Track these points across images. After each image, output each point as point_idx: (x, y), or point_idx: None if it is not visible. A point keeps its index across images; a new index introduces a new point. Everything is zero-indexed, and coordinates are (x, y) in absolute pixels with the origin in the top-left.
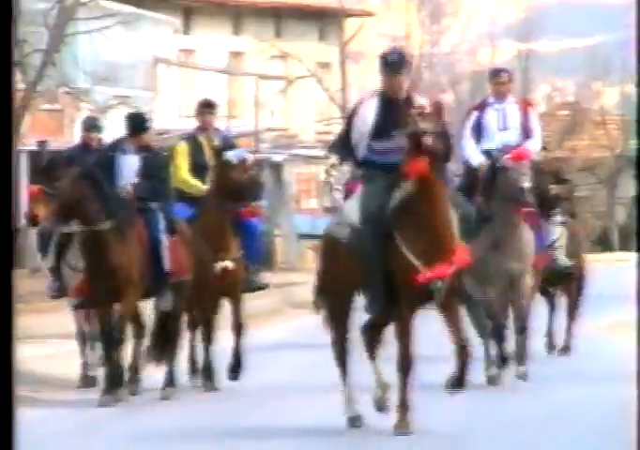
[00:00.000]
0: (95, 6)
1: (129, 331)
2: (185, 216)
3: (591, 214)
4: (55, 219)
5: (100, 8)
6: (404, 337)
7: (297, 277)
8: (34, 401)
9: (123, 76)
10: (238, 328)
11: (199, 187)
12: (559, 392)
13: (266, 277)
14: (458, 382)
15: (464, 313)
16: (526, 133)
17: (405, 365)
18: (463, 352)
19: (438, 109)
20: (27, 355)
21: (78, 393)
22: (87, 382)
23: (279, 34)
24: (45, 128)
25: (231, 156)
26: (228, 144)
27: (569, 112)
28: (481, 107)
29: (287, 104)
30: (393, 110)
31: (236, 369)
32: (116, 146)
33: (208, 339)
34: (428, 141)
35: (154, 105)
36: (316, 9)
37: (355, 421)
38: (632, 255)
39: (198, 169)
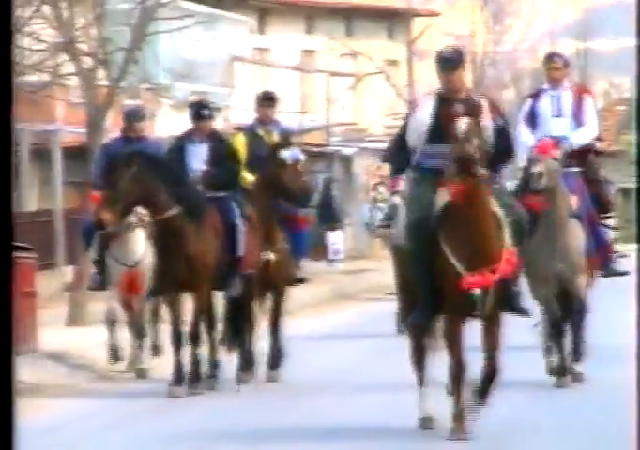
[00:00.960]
0: (175, 6)
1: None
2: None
3: None
4: (122, 219)
5: (180, 9)
6: (452, 344)
7: (369, 264)
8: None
9: (201, 73)
10: (276, 322)
11: (247, 178)
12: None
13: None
14: (480, 395)
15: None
16: (579, 121)
17: (455, 373)
18: (488, 365)
19: (494, 107)
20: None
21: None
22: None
23: (349, 33)
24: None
25: (286, 155)
26: (287, 138)
27: (625, 107)
28: (536, 94)
29: (357, 100)
30: (451, 110)
31: (276, 364)
32: (186, 136)
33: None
34: (474, 167)
35: (230, 101)
36: (385, 9)
37: (427, 423)
38: None
39: (255, 161)
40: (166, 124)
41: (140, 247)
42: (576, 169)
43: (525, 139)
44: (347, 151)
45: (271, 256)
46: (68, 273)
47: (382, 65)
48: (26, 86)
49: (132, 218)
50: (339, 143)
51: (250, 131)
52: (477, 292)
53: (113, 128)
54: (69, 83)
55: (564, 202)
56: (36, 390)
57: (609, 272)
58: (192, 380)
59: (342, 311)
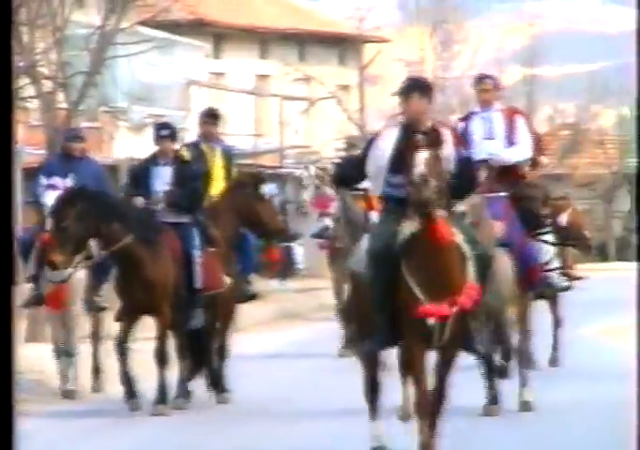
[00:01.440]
0: (132, 32)
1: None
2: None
3: (590, 226)
4: (73, 259)
5: (138, 34)
6: (414, 374)
7: (320, 283)
8: None
9: (158, 96)
10: (224, 342)
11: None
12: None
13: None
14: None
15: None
16: (511, 143)
17: (419, 407)
18: (436, 394)
19: (457, 137)
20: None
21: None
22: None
23: (302, 58)
24: (86, 145)
25: (265, 190)
26: (229, 157)
27: (569, 132)
28: (467, 117)
29: (309, 123)
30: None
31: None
32: (151, 159)
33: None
34: (432, 211)
35: (187, 124)
36: (337, 36)
37: None
38: (628, 264)
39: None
40: (124, 146)
41: None
42: (502, 193)
43: None
44: (299, 172)
45: (227, 280)
46: (27, 290)
47: (334, 89)
48: None
49: (80, 257)
50: (292, 165)
51: (193, 147)
52: (432, 321)
53: None
54: (30, 106)
55: (488, 233)
56: None
57: (545, 289)
58: (158, 401)
59: (291, 330)
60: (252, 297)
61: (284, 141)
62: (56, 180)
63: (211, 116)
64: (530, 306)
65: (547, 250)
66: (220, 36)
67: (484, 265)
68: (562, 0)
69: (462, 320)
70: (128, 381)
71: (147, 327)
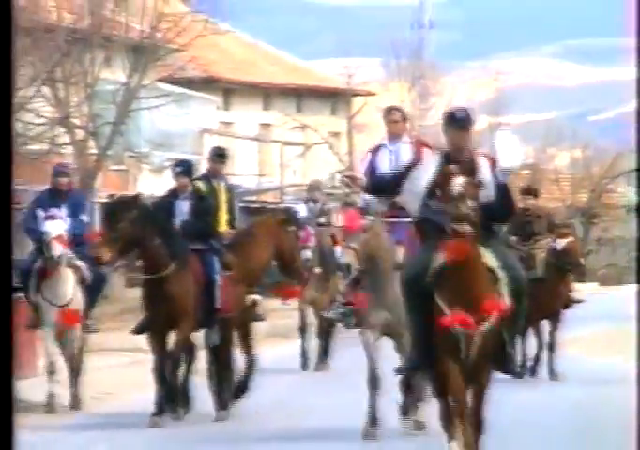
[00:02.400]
0: (153, 87)
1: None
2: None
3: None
4: (119, 258)
5: (158, 90)
6: (451, 392)
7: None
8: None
9: (175, 142)
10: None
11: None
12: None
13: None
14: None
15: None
16: None
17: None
18: (472, 422)
19: (495, 165)
20: (101, 365)
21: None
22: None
23: (299, 109)
24: (113, 185)
25: (292, 229)
26: (232, 192)
27: (529, 171)
28: (376, 149)
29: (306, 165)
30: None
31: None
32: (170, 194)
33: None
34: (466, 228)
35: (200, 166)
36: (329, 90)
37: None
38: (585, 286)
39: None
40: (146, 185)
41: (69, 287)
42: (407, 220)
43: (369, 200)
44: (298, 208)
45: (252, 298)
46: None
47: (326, 136)
48: (28, 154)
49: (122, 261)
50: (291, 201)
51: (206, 180)
52: (457, 329)
53: (101, 189)
54: (65, 152)
55: (388, 256)
56: None
57: None
58: (164, 407)
59: (278, 346)
60: (260, 319)
61: (284, 180)
62: (54, 211)
63: (219, 155)
64: None
65: None
66: (228, 90)
67: (518, 290)
68: (523, 58)
69: (490, 335)
70: (169, 395)
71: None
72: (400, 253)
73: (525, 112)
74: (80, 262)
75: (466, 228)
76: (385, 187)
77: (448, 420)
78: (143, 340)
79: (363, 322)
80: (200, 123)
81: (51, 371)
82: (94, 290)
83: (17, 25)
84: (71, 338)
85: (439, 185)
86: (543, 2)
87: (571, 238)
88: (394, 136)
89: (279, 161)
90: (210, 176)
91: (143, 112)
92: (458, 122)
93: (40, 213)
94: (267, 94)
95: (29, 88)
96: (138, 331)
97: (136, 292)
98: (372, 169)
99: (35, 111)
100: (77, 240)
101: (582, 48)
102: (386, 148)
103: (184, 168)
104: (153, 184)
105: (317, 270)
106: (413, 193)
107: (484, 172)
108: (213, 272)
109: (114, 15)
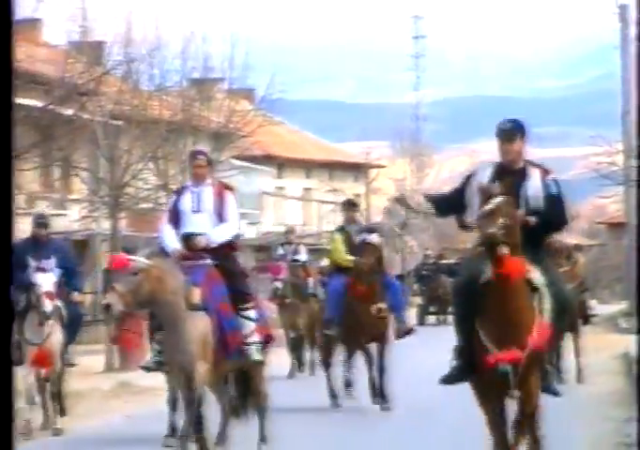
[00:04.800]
0: (228, 162)
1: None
2: (342, 281)
3: None
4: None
5: (231, 164)
6: (490, 426)
7: None
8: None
9: (242, 201)
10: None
11: (350, 260)
12: None
13: None
14: None
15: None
16: (220, 217)
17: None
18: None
19: (545, 174)
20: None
21: None
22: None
23: (331, 177)
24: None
25: (372, 238)
26: (364, 232)
27: None
28: (180, 191)
29: (336, 217)
30: (506, 179)
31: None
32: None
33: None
34: (501, 250)
35: (260, 218)
36: (352, 164)
37: None
38: None
39: (350, 249)
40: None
41: (47, 325)
42: (208, 261)
43: (165, 238)
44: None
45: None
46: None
47: (351, 196)
48: (139, 211)
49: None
50: (325, 244)
51: (342, 229)
52: (507, 367)
53: None
54: (165, 209)
55: (177, 298)
56: None
57: (239, 359)
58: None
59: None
60: (407, 333)
61: (322, 228)
62: (44, 263)
63: (351, 205)
64: (228, 367)
65: (249, 324)
66: (281, 164)
67: (562, 305)
68: (492, 141)
69: (536, 360)
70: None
71: None
72: (196, 294)
73: None
74: (58, 302)
75: (500, 249)
76: (449, 207)
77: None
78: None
79: (168, 364)
80: (260, 187)
81: (32, 399)
82: (72, 327)
83: (131, 119)
84: (51, 376)
85: (480, 201)
86: (508, 99)
87: (580, 261)
88: (198, 179)
89: (317, 214)
90: (346, 224)
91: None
92: (503, 133)
93: (31, 262)
94: (309, 167)
95: (139, 163)
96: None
97: None
98: (175, 207)
99: (144, 180)
100: (65, 285)
101: (540, 133)
102: (189, 189)
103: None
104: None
105: (288, 300)
106: (471, 201)
107: (533, 183)
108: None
109: (200, 111)
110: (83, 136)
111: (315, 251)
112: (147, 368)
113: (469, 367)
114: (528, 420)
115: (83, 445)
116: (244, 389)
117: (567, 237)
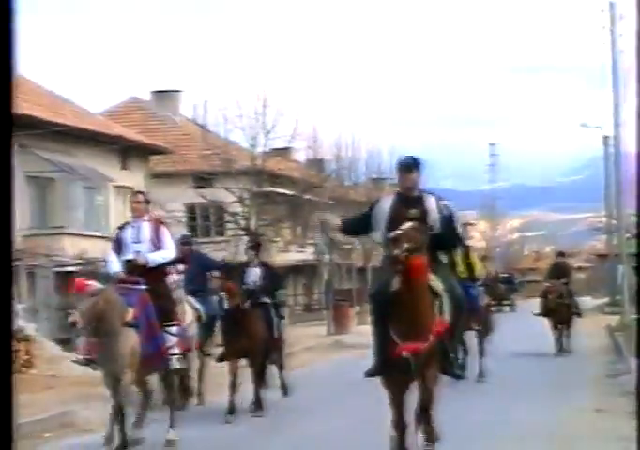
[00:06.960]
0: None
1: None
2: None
3: None
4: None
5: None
6: (390, 404)
7: None
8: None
9: None
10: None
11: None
12: None
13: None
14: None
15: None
16: (156, 246)
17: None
18: (424, 424)
19: (439, 201)
20: None
21: None
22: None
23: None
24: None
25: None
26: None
27: None
28: (123, 226)
29: None
30: (405, 206)
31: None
32: (244, 263)
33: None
34: (399, 265)
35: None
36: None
37: None
38: None
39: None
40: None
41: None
42: (142, 286)
43: (112, 266)
44: None
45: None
46: None
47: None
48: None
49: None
50: None
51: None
52: (408, 355)
53: None
54: None
55: (117, 316)
56: None
57: (164, 369)
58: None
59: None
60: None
61: None
62: None
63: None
64: (148, 374)
65: (171, 339)
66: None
67: (458, 306)
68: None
69: (435, 351)
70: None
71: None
72: (130, 314)
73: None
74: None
75: (399, 268)
76: (356, 228)
77: (397, 426)
78: None
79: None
80: None
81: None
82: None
83: (334, 199)
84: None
85: (394, 220)
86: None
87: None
88: (137, 215)
89: None
90: None
91: None
92: (402, 166)
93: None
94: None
95: (228, 217)
96: (219, 359)
97: None
98: (118, 241)
99: (233, 232)
100: None
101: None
102: (130, 225)
103: (255, 243)
104: None
105: None
106: (378, 225)
107: (429, 206)
108: (271, 316)
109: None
110: (316, 211)
111: None
112: (79, 363)
113: (386, 361)
114: (426, 402)
115: None
116: (169, 387)
117: (575, 262)
